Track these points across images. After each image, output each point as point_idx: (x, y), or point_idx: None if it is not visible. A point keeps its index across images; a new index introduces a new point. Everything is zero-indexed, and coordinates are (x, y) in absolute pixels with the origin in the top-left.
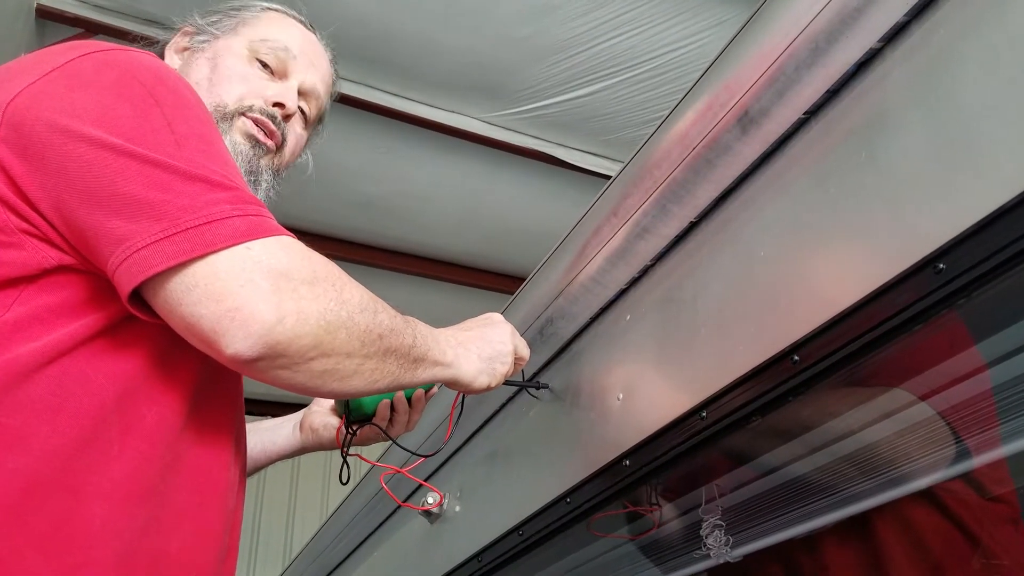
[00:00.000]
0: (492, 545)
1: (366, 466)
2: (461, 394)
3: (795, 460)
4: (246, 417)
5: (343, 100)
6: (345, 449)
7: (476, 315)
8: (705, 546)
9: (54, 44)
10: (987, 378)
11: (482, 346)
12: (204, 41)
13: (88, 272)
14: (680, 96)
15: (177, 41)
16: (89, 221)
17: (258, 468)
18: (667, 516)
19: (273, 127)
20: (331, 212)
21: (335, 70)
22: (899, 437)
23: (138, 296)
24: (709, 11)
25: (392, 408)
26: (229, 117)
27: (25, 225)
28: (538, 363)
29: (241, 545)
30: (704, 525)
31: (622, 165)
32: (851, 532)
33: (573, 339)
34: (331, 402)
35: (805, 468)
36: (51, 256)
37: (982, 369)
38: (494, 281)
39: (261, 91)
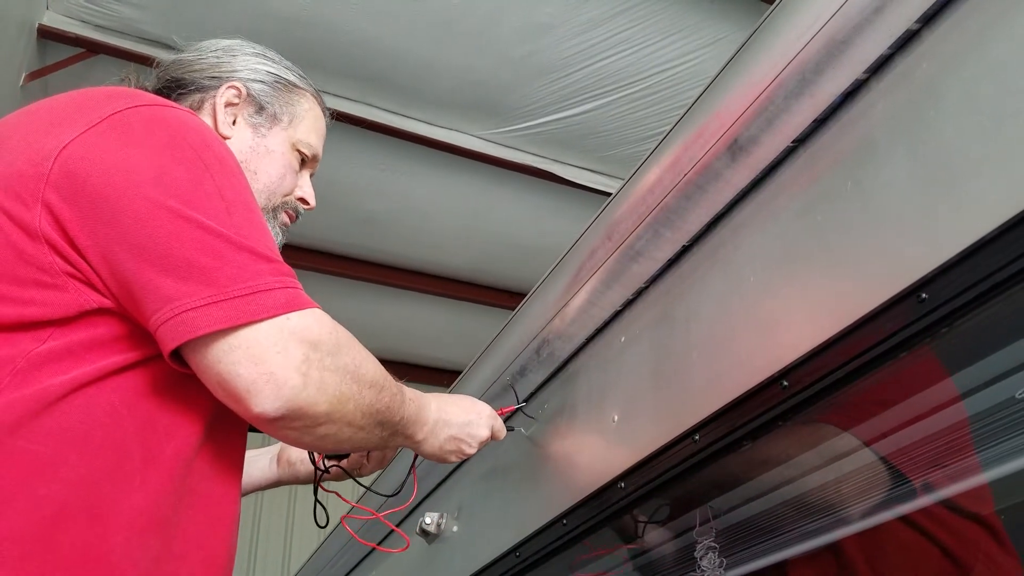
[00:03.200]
0: (489, 566)
1: (355, 491)
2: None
3: (788, 482)
4: None
5: (344, 119)
6: (317, 487)
7: (474, 330)
8: (699, 568)
9: (55, 64)
10: (970, 405)
11: (449, 440)
12: (262, 124)
13: (122, 315)
14: (674, 120)
15: (227, 97)
16: (138, 274)
17: None
18: (661, 538)
19: (295, 217)
20: (331, 229)
21: None
22: (884, 462)
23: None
24: (705, 30)
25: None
26: (276, 209)
27: (69, 268)
28: (534, 384)
29: (239, 567)
30: (698, 547)
31: (616, 188)
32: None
33: (569, 360)
34: None
35: (798, 490)
36: (92, 299)
37: (967, 395)
38: (493, 296)
39: (295, 187)
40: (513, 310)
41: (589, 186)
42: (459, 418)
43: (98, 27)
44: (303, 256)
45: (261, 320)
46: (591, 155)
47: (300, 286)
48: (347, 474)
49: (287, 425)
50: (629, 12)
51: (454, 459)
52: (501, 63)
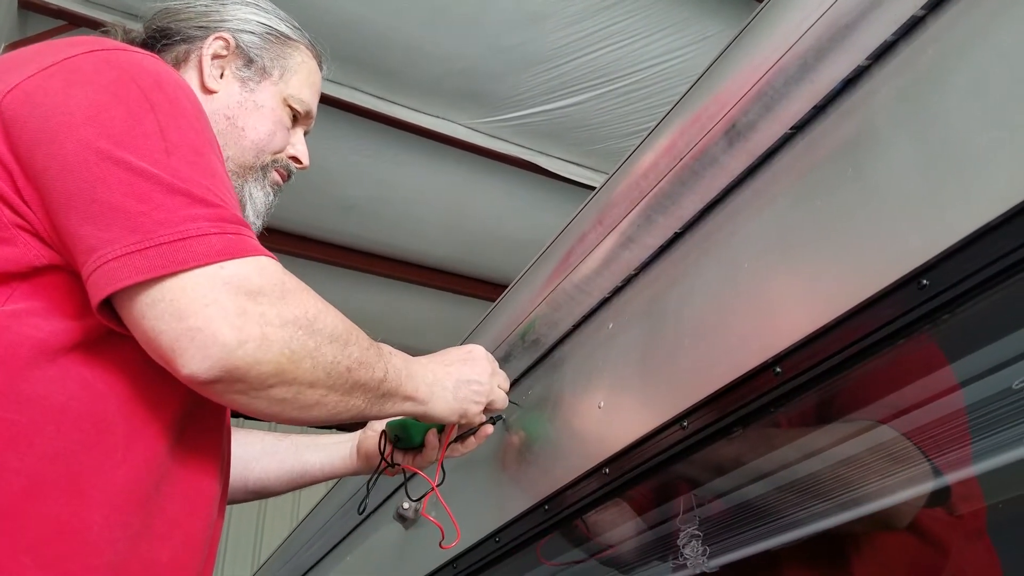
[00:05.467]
0: (468, 551)
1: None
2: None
3: (775, 472)
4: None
5: (329, 102)
6: (376, 478)
7: (457, 321)
8: (682, 556)
9: (36, 35)
10: (967, 395)
11: (459, 386)
12: (250, 78)
13: (77, 274)
14: (666, 108)
15: (214, 48)
16: (66, 224)
17: (311, 483)
18: (644, 525)
19: (287, 177)
20: (313, 214)
21: None
22: (882, 452)
23: (113, 304)
24: (694, 26)
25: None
26: (265, 167)
27: (18, 220)
28: (520, 369)
29: None
30: (681, 535)
31: (609, 173)
32: (818, 542)
33: (555, 346)
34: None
35: (784, 480)
36: (42, 254)
37: (964, 385)
38: (476, 287)
39: (286, 145)
40: (494, 302)
41: (573, 179)
42: (454, 357)
43: None
44: (283, 240)
45: (189, 269)
46: (577, 148)
47: (247, 233)
48: (399, 466)
49: (229, 389)
50: (619, 6)
51: (475, 409)
52: (490, 52)
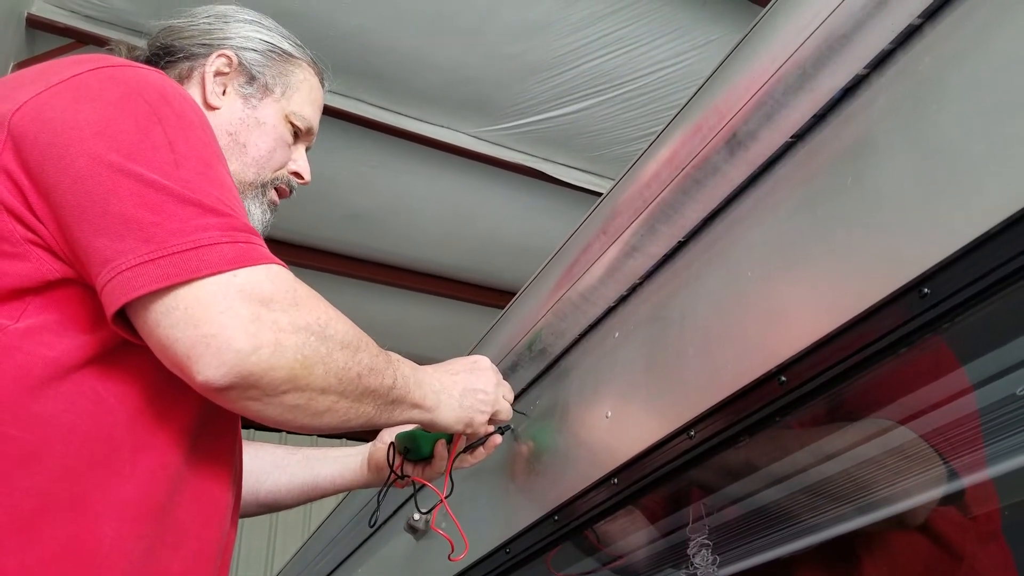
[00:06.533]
0: (479, 562)
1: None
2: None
3: (783, 480)
4: (316, 439)
5: (334, 113)
6: (386, 489)
7: (464, 329)
8: (692, 565)
9: (44, 53)
10: (971, 402)
11: (465, 394)
12: (252, 94)
13: (90, 287)
14: (669, 116)
15: (217, 65)
16: (79, 237)
17: (322, 496)
18: (654, 535)
19: (289, 192)
20: (320, 225)
21: None
22: (886, 459)
23: (127, 315)
24: (697, 31)
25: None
26: (264, 185)
27: (31, 235)
28: (527, 379)
29: None
30: (691, 544)
31: (612, 183)
32: (827, 550)
33: (562, 355)
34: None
35: (793, 488)
36: (55, 268)
37: (967, 392)
38: (482, 295)
39: (287, 162)
40: (501, 309)
41: (579, 185)
42: (460, 366)
43: (87, 17)
44: (289, 251)
45: (203, 277)
46: (581, 154)
47: (258, 241)
48: (414, 477)
49: (243, 395)
50: (621, 12)
51: (481, 418)
52: (493, 60)
